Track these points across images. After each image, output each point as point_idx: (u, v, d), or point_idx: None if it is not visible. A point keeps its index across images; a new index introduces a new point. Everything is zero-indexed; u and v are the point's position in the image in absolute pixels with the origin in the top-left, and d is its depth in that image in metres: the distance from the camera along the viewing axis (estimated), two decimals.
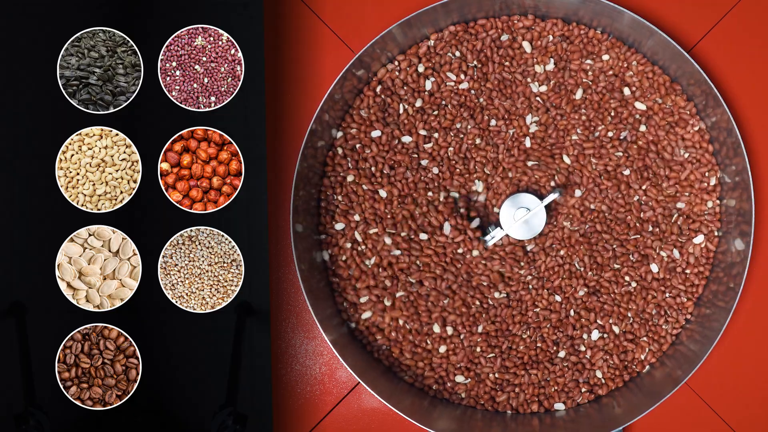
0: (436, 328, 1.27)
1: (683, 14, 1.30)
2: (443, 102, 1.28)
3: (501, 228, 1.25)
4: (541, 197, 1.26)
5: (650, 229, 1.27)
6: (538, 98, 1.28)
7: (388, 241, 1.27)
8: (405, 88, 1.28)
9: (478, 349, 1.27)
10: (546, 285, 1.27)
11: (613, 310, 1.26)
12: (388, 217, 1.27)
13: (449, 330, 1.27)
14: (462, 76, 1.28)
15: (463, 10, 1.26)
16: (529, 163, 1.28)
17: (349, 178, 1.27)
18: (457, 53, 1.29)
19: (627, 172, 1.27)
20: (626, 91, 1.28)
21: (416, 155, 1.28)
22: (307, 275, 1.23)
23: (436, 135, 1.28)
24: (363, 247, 1.27)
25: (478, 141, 1.28)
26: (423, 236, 1.27)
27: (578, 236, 1.27)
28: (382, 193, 1.27)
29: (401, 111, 1.28)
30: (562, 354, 1.27)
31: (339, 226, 1.27)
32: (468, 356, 1.27)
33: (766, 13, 1.30)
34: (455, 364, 1.27)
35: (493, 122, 1.28)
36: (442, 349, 1.27)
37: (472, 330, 1.27)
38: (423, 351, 1.27)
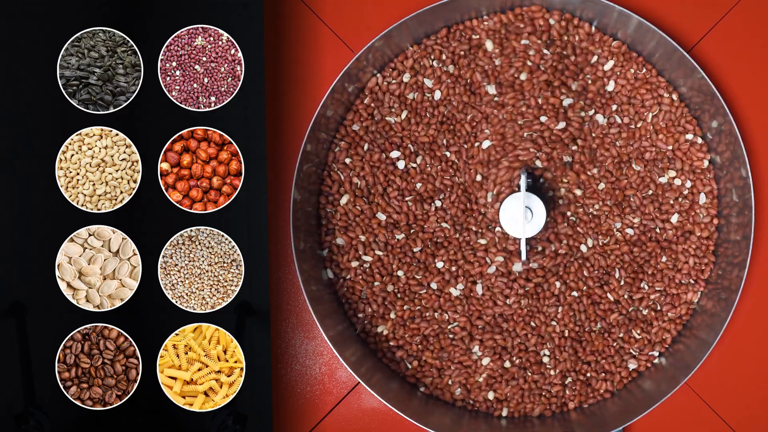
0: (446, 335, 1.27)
1: (683, 14, 1.30)
2: (426, 113, 1.27)
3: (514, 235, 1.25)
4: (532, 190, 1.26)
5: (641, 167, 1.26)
6: (495, 98, 1.27)
7: (400, 273, 1.27)
8: (392, 98, 1.27)
9: (481, 351, 1.27)
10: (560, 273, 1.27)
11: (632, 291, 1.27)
12: (398, 249, 1.26)
13: (458, 332, 1.27)
14: (438, 84, 1.27)
15: (461, 12, 1.26)
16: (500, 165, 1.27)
17: (344, 200, 1.27)
18: (443, 56, 1.27)
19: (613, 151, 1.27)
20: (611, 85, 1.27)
21: (408, 178, 1.27)
22: (308, 277, 1.23)
23: (420, 158, 1.27)
24: (370, 268, 1.27)
25: (448, 154, 1.27)
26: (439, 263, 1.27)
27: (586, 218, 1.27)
28: (381, 216, 1.26)
29: (392, 122, 1.27)
30: (563, 354, 1.27)
31: (340, 241, 1.27)
32: (481, 362, 1.27)
33: (766, 13, 1.30)
34: (461, 366, 1.27)
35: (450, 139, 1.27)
36: (447, 350, 1.27)
37: (475, 327, 1.27)
38: (427, 354, 1.27)
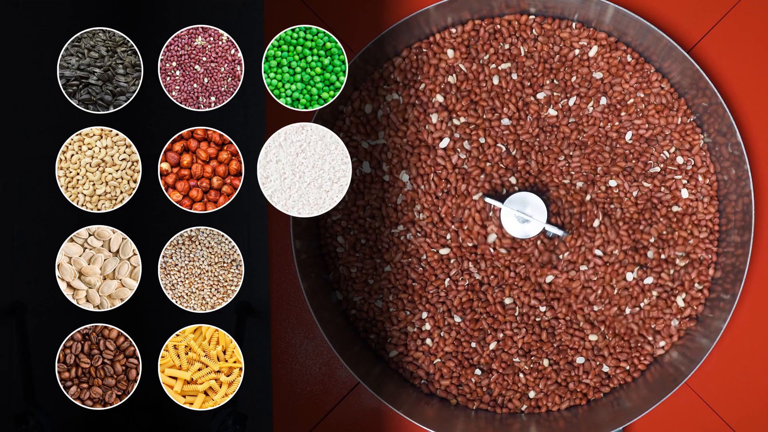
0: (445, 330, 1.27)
1: (683, 14, 1.30)
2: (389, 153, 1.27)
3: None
4: (539, 193, 1.26)
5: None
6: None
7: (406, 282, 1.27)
8: (358, 134, 1.27)
9: (474, 344, 1.27)
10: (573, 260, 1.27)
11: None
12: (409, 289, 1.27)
13: (457, 325, 1.27)
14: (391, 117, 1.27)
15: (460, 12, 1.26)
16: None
17: (340, 249, 1.27)
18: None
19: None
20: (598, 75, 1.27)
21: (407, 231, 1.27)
22: (308, 277, 1.23)
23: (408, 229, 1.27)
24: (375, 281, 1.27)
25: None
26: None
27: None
28: (388, 269, 1.27)
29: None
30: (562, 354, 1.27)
31: (344, 271, 1.27)
32: (482, 357, 1.27)
33: (766, 13, 1.30)
34: (462, 364, 1.27)
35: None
36: (447, 349, 1.27)
37: (475, 325, 1.27)
38: (426, 353, 1.27)
